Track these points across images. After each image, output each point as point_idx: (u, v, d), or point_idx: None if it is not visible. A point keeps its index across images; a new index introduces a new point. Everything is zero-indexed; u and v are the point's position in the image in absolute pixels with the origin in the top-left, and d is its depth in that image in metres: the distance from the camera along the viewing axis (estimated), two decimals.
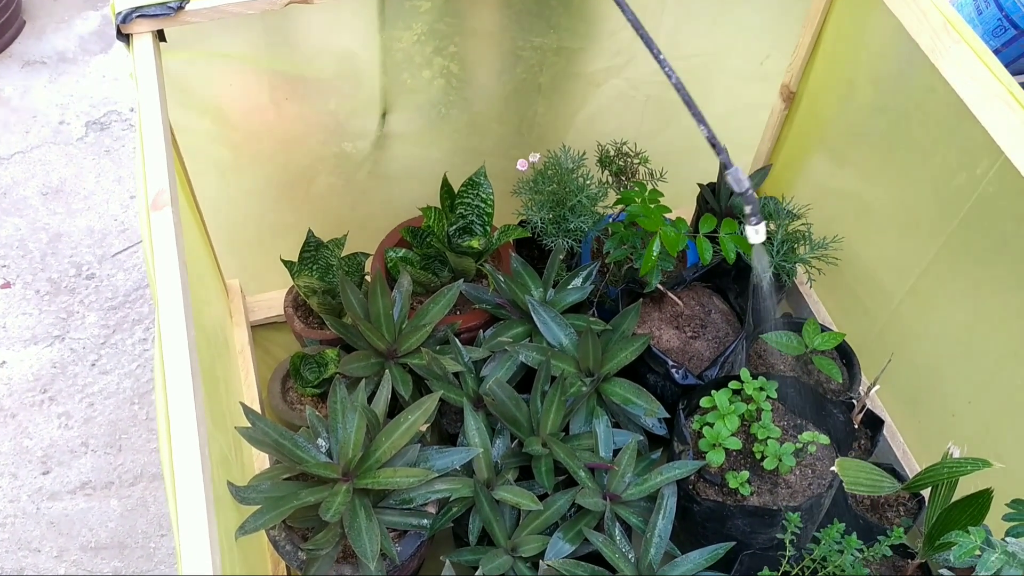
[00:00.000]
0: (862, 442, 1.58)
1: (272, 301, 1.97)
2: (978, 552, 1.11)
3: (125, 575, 1.66)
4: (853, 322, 1.80)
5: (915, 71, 1.46)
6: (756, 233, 1.28)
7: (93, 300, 2.04)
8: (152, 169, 1.17)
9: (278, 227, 1.86)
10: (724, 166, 1.25)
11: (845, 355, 1.72)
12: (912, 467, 1.66)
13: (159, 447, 0.95)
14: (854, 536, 1.25)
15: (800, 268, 1.78)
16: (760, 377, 1.49)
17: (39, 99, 2.46)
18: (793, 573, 1.35)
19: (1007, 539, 1.12)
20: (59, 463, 1.79)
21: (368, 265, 1.77)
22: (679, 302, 1.68)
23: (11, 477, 1.77)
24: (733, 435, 1.43)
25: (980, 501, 1.20)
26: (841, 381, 1.64)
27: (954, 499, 1.28)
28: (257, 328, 1.98)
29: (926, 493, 1.52)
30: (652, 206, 1.58)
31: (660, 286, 1.62)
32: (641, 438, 1.52)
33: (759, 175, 1.92)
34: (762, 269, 1.45)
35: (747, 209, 1.26)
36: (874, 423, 1.57)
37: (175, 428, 1.01)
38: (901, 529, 1.26)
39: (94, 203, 2.23)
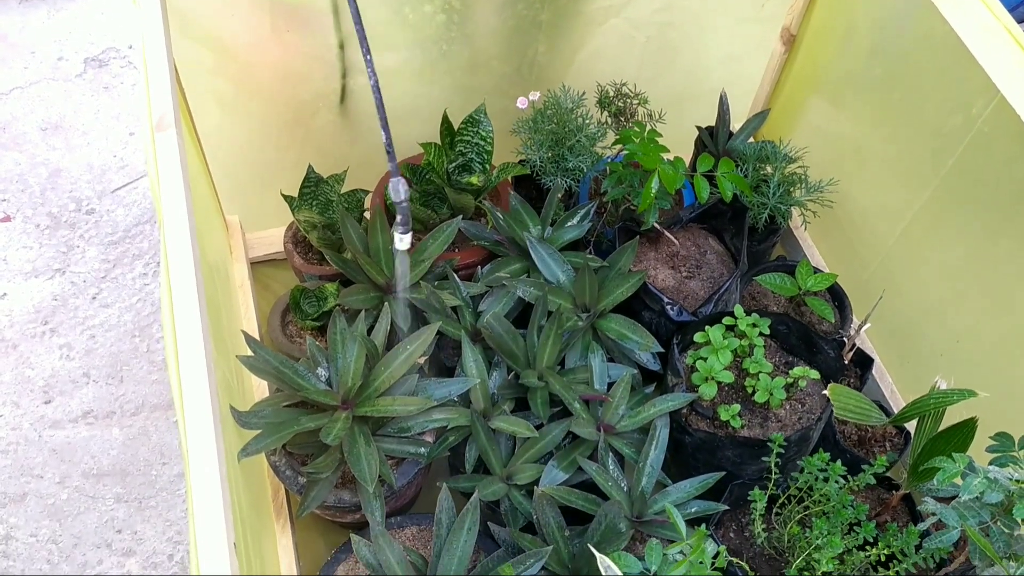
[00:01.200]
0: (851, 380, 1.61)
1: (271, 238, 1.98)
2: (960, 478, 1.15)
3: (127, 501, 1.69)
4: (845, 265, 1.82)
5: (915, 12, 1.46)
6: (401, 241, 1.38)
7: (93, 235, 2.05)
8: (156, 91, 1.17)
9: (278, 163, 1.86)
10: (391, 172, 1.33)
11: (837, 297, 1.74)
12: (899, 406, 1.69)
13: (167, 366, 0.96)
14: (838, 463, 1.28)
15: (795, 211, 1.80)
16: (754, 314, 1.51)
17: (37, 35, 2.44)
18: (780, 500, 1.39)
19: (990, 467, 1.16)
20: (61, 393, 1.81)
21: (368, 202, 1.78)
22: (675, 241, 1.70)
23: (13, 406, 1.79)
24: (726, 369, 1.45)
25: (965, 430, 1.23)
26: (833, 321, 1.67)
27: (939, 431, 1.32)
28: (256, 265, 1.99)
29: (912, 429, 1.55)
30: (651, 145, 1.59)
31: (657, 225, 1.64)
32: (635, 372, 1.54)
33: (757, 119, 1.92)
34: (401, 275, 1.54)
35: (398, 218, 1.36)
36: (864, 362, 1.59)
37: (182, 346, 1.03)
38: (884, 458, 1.29)
39: (93, 139, 2.22)
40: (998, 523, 1.12)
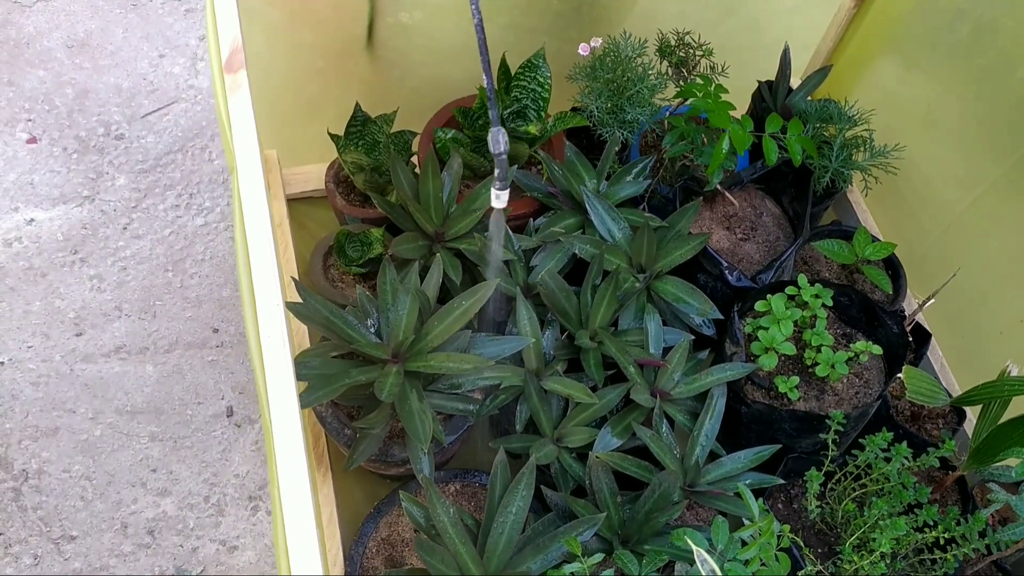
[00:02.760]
0: (908, 355, 1.58)
1: (308, 175, 1.92)
2: None
3: (162, 440, 1.67)
4: (902, 234, 1.77)
5: None
6: (497, 198, 1.29)
7: (123, 162, 1.98)
8: (224, 25, 1.10)
9: (320, 99, 1.79)
10: (492, 121, 1.21)
11: (892, 267, 1.70)
12: (949, 382, 1.67)
13: (243, 315, 0.92)
14: (903, 445, 1.26)
15: (856, 176, 1.75)
16: (817, 284, 1.47)
17: None
18: (837, 476, 1.37)
19: None
20: (92, 326, 1.77)
21: (415, 144, 1.72)
22: (734, 203, 1.65)
23: (43, 337, 1.76)
24: (787, 341, 1.42)
25: None
26: (889, 292, 1.63)
27: (1004, 417, 1.29)
28: (291, 202, 1.93)
29: (968, 409, 1.52)
30: (719, 101, 1.52)
31: (719, 186, 1.59)
32: (692, 338, 1.51)
33: (818, 75, 1.85)
34: (496, 236, 1.44)
35: (496, 172, 1.25)
36: (921, 336, 1.56)
37: (259, 293, 0.99)
38: (952, 442, 1.27)
39: (121, 60, 2.13)
40: None
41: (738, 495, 1.21)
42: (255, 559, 1.56)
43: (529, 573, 1.25)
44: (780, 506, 1.45)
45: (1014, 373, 1.28)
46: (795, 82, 1.84)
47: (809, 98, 1.82)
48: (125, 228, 1.89)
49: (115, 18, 2.20)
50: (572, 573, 1.06)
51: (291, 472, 0.88)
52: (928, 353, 1.68)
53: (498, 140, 1.20)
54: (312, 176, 1.90)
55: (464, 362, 1.37)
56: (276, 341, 0.97)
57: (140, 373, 1.73)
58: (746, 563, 1.09)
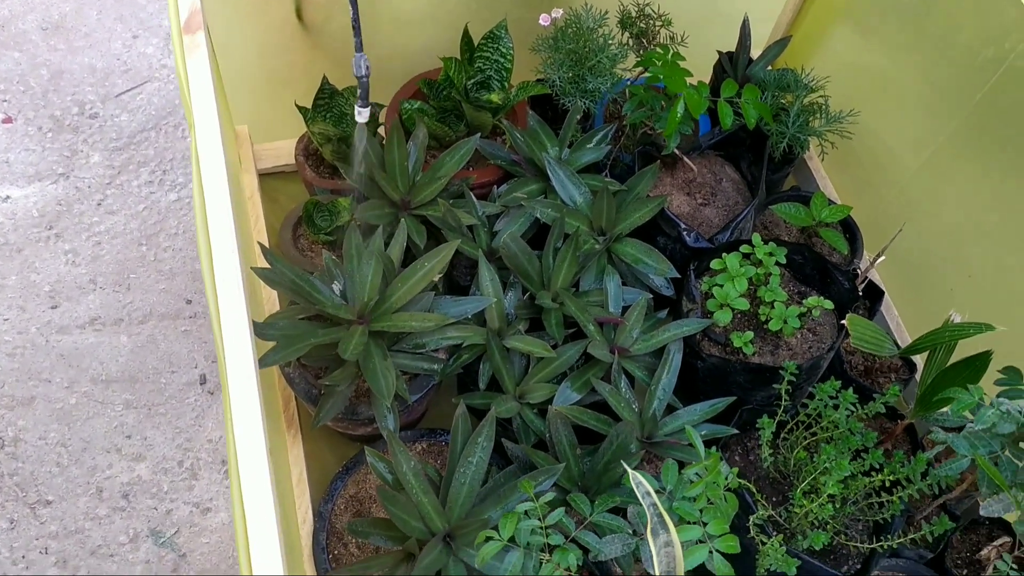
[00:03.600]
0: (861, 312, 1.63)
1: (279, 150, 1.95)
2: (973, 410, 1.17)
3: (136, 407, 1.70)
4: (859, 197, 1.81)
5: None
6: (360, 115, 1.53)
7: (97, 140, 2.01)
8: None
9: (289, 72, 1.82)
10: (356, 47, 1.46)
11: (849, 229, 1.75)
12: (904, 339, 1.71)
13: (203, 275, 0.96)
14: (850, 391, 1.30)
15: (813, 142, 1.79)
16: (771, 243, 1.52)
17: None
18: (789, 426, 1.41)
19: (1001, 399, 1.18)
20: (67, 298, 1.81)
21: (383, 116, 1.75)
22: (693, 168, 1.69)
23: (19, 310, 1.79)
24: (741, 296, 1.46)
25: (978, 363, 1.25)
26: (845, 253, 1.68)
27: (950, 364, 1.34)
28: (263, 177, 1.96)
29: (919, 361, 1.57)
30: (675, 68, 1.56)
31: (676, 151, 1.63)
32: (650, 297, 1.55)
33: (777, 46, 1.89)
34: (361, 150, 1.59)
35: (359, 93, 1.50)
36: (874, 294, 1.61)
37: (216, 253, 1.03)
38: (896, 387, 1.31)
39: (95, 41, 2.16)
40: (1007, 453, 1.14)
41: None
42: (228, 520, 1.60)
43: (489, 521, 1.29)
44: (737, 458, 1.49)
45: (957, 321, 1.33)
46: (756, 54, 1.88)
47: (769, 68, 1.87)
48: (99, 204, 1.93)
49: (89, 0, 2.23)
50: (526, 511, 1.10)
51: (247, 431, 0.92)
52: (883, 311, 1.73)
53: (360, 65, 1.45)
54: (283, 151, 1.94)
55: (427, 320, 1.41)
56: (231, 284, 1.00)
57: (114, 343, 1.76)
58: (693, 500, 1.13)
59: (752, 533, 1.30)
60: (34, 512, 1.58)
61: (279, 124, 1.89)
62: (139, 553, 1.56)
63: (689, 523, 1.11)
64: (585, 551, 1.21)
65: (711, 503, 1.15)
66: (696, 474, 1.15)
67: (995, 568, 1.10)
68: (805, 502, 1.31)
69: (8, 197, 1.91)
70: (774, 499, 1.43)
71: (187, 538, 1.57)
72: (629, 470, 0.99)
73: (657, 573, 0.92)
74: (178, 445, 1.66)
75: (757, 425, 1.37)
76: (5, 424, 1.65)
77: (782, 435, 1.44)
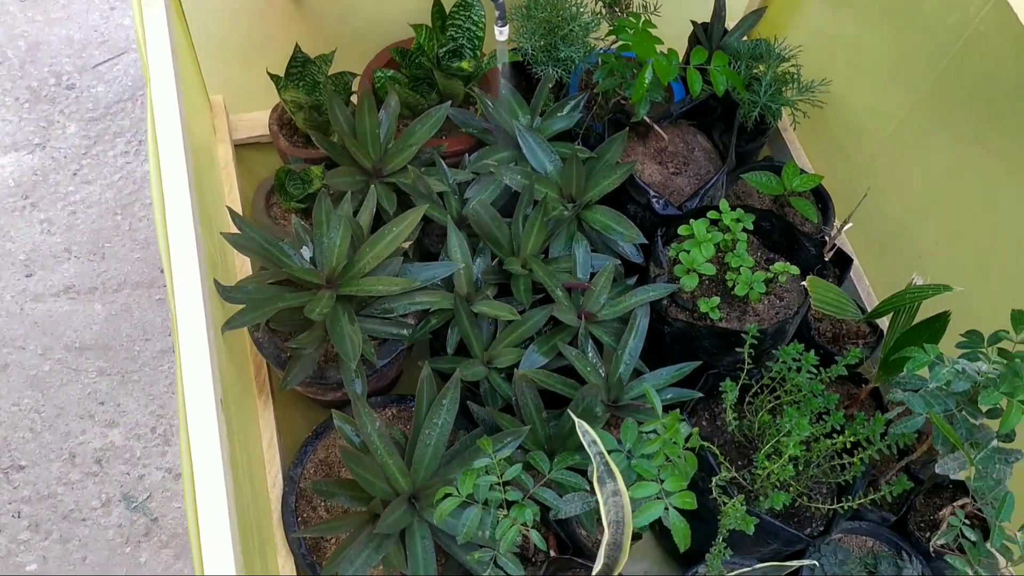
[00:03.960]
0: (831, 279, 1.63)
1: (256, 121, 1.95)
2: (929, 368, 1.18)
3: (110, 374, 1.71)
4: (832, 167, 1.82)
5: None
6: (500, 33, 1.55)
7: (74, 110, 2.01)
8: None
9: (265, 41, 1.82)
10: None
11: (821, 199, 1.75)
12: (874, 305, 1.72)
13: (157, 237, 0.96)
14: (811, 353, 1.31)
15: (786, 112, 1.79)
16: (738, 209, 1.52)
17: None
18: (753, 390, 1.42)
19: (959, 360, 1.19)
20: (42, 267, 1.81)
21: (355, 85, 1.75)
22: (664, 135, 1.69)
23: None
24: (708, 262, 1.47)
25: (938, 324, 1.26)
26: (816, 222, 1.68)
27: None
28: (240, 147, 1.96)
29: (886, 328, 1.58)
30: (645, 35, 1.56)
31: (647, 118, 1.63)
32: (618, 263, 1.55)
33: (753, 17, 1.89)
34: (500, 62, 1.64)
35: (496, 13, 1.52)
36: (843, 261, 1.61)
37: (171, 214, 1.03)
38: (857, 350, 1.32)
39: (73, 12, 2.16)
40: (963, 411, 1.15)
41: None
42: None
43: (454, 482, 1.30)
44: (704, 423, 1.50)
45: (919, 283, 1.33)
46: (732, 25, 1.88)
47: (745, 39, 1.87)
48: (75, 174, 1.93)
49: None
50: (485, 467, 1.11)
51: (198, 396, 0.92)
52: (854, 279, 1.74)
53: None
54: (259, 122, 1.94)
55: (393, 284, 1.42)
56: (185, 247, 1.01)
57: (89, 312, 1.77)
58: (650, 458, 1.14)
59: (715, 494, 1.32)
60: (7, 477, 1.58)
61: (257, 95, 1.89)
62: (111, 517, 1.57)
63: (647, 481, 1.12)
64: (548, 511, 1.23)
65: (669, 461, 1.16)
66: (654, 431, 1.16)
67: (948, 524, 1.11)
68: (767, 463, 1.32)
69: None
70: (739, 463, 1.45)
71: (159, 503, 1.58)
72: (575, 418, 1.00)
73: (605, 521, 0.93)
74: (151, 412, 1.67)
75: (721, 389, 1.37)
76: None
77: (747, 399, 1.45)
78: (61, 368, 1.70)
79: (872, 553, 1.45)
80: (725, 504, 1.29)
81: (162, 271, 1.83)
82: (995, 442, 1.14)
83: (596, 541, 1.41)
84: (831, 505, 1.35)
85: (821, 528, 1.40)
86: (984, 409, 1.14)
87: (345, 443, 1.40)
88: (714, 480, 1.32)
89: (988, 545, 1.06)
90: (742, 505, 1.25)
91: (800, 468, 1.39)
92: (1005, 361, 1.15)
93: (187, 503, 0.87)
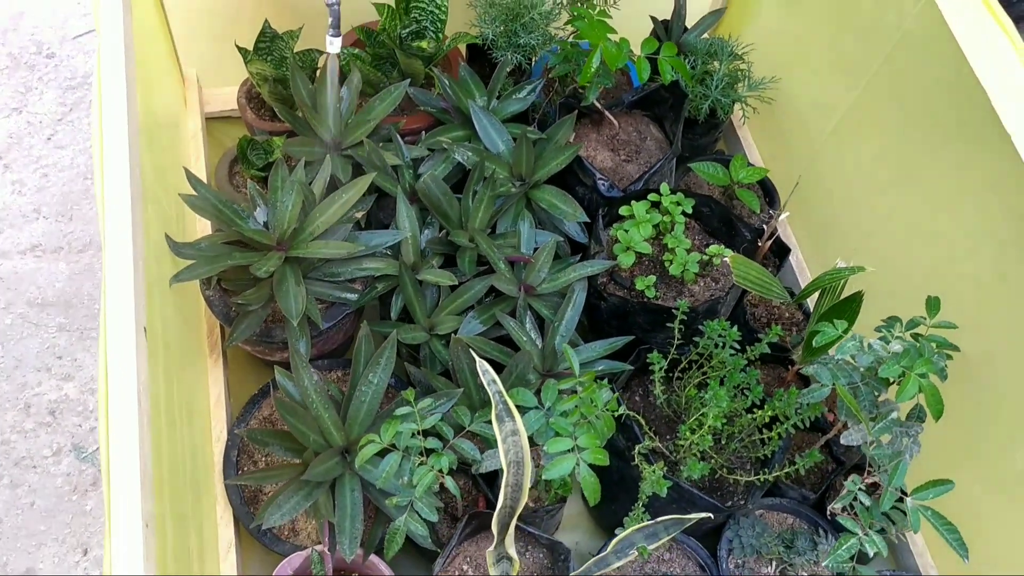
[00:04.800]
0: (770, 268, 1.68)
1: (228, 96, 2.00)
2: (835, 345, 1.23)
3: (69, 330, 1.75)
4: (781, 162, 1.87)
5: None
6: (331, 44, 1.59)
7: (52, 78, 2.06)
8: None
9: (237, 17, 1.87)
10: None
11: (768, 192, 1.81)
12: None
13: (96, 195, 1.01)
14: (734, 329, 1.36)
15: (737, 107, 1.85)
16: (678, 193, 1.57)
17: None
18: (682, 365, 1.47)
19: (874, 342, 1.23)
20: (11, 225, 1.86)
21: (321, 62, 1.80)
22: (615, 122, 1.74)
23: None
24: (645, 241, 1.52)
25: (853, 303, 1.31)
26: (759, 213, 1.73)
27: None
28: (212, 120, 2.01)
29: None
30: (598, 22, 1.62)
31: (596, 103, 1.68)
32: (561, 240, 1.60)
33: (712, 17, 1.94)
34: (331, 77, 1.63)
35: (330, 22, 1.56)
36: (782, 251, 1.66)
37: (108, 170, 1.08)
38: (778, 327, 1.37)
39: None
40: (868, 384, 1.20)
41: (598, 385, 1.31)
42: None
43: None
44: (637, 399, 1.54)
45: (840, 266, 1.38)
46: (692, 24, 1.94)
47: (705, 36, 1.92)
48: (49, 139, 1.98)
49: None
50: (403, 414, 1.16)
51: (119, 318, 0.97)
52: (796, 269, 1.79)
53: None
54: (232, 97, 1.99)
55: (340, 248, 1.47)
56: (122, 216, 1.06)
57: (53, 270, 1.81)
58: (566, 415, 1.19)
59: (636, 461, 1.36)
60: None
61: (230, 71, 1.94)
62: (60, 466, 1.62)
63: (562, 437, 1.17)
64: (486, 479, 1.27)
65: (586, 420, 1.21)
66: (572, 389, 1.20)
67: (846, 489, 1.16)
68: (689, 434, 1.37)
69: None
70: (668, 436, 1.49)
71: (105, 484, 1.62)
72: (476, 356, 1.04)
73: (504, 461, 0.97)
74: None
75: (649, 361, 1.42)
76: None
77: (675, 375, 1.50)
78: (22, 322, 1.74)
79: (791, 529, 1.49)
80: (644, 467, 1.33)
81: None
82: (895, 414, 1.19)
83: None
84: (751, 477, 1.39)
85: (742, 502, 1.44)
86: (891, 381, 1.19)
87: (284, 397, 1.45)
88: (637, 448, 1.37)
89: (879, 508, 1.11)
90: (662, 471, 1.29)
91: (722, 442, 1.43)
92: (915, 342, 1.20)
93: (100, 428, 0.92)
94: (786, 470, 1.36)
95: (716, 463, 1.42)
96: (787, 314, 1.64)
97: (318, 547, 1.34)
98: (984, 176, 1.28)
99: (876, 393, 1.21)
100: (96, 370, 1.71)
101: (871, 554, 1.11)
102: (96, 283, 1.80)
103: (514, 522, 1.04)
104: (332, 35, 1.57)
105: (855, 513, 1.15)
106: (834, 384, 1.19)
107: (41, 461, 1.61)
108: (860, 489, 1.14)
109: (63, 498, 1.59)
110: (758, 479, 1.38)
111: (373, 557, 1.37)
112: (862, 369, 1.19)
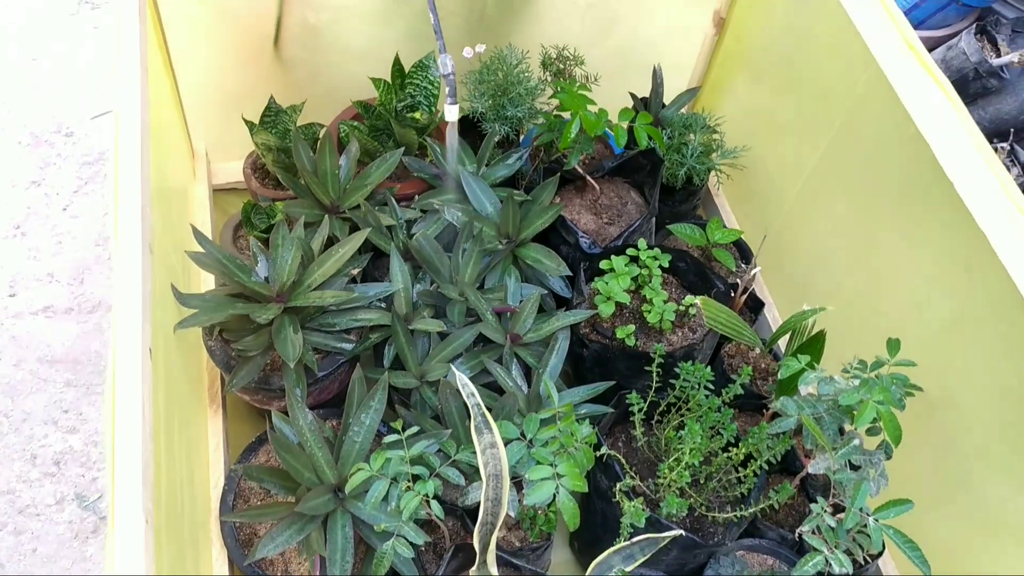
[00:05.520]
0: (746, 320, 1.76)
1: (234, 169, 2.12)
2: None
3: (76, 386, 1.82)
4: (754, 224, 1.97)
5: None
6: (449, 112, 1.65)
7: (70, 154, 2.18)
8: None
9: (244, 94, 2.00)
10: (439, 50, 1.60)
11: (743, 252, 1.90)
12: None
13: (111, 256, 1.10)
14: (708, 369, 1.43)
15: (712, 174, 1.96)
16: (656, 248, 1.67)
17: None
18: (660, 408, 1.53)
19: (837, 377, 1.30)
20: (25, 288, 1.94)
21: (321, 133, 1.93)
22: (596, 186, 1.85)
23: None
24: (624, 292, 1.60)
25: (817, 342, 1.38)
26: (735, 271, 1.82)
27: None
28: (219, 192, 2.12)
29: None
30: (577, 93, 1.74)
31: (578, 167, 1.79)
32: (546, 292, 1.69)
33: (687, 95, 2.08)
34: (451, 148, 1.74)
35: (447, 90, 1.62)
36: (757, 305, 1.74)
37: (122, 220, 1.18)
38: (749, 368, 1.44)
39: (78, 71, 2.36)
40: (831, 414, 1.26)
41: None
42: None
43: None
44: (620, 444, 1.60)
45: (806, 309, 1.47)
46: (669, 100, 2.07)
47: (682, 112, 2.05)
48: (64, 209, 2.08)
49: (77, 38, 2.45)
50: (391, 441, 1.22)
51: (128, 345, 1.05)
52: (769, 322, 1.87)
53: (445, 64, 1.58)
54: (237, 170, 2.11)
55: (336, 296, 1.55)
56: (133, 270, 1.15)
57: (63, 329, 1.89)
58: (546, 444, 1.25)
59: (618, 498, 1.41)
60: None
61: (236, 146, 2.06)
62: (63, 514, 1.66)
63: (542, 465, 1.23)
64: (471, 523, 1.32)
65: (565, 450, 1.27)
66: (552, 418, 1.27)
67: (812, 511, 1.21)
68: (667, 471, 1.42)
69: None
70: (650, 479, 1.54)
71: (110, 503, 1.66)
72: (453, 368, 1.11)
73: (483, 473, 1.03)
74: None
75: (628, 402, 1.48)
76: None
77: (655, 417, 1.56)
78: (32, 378, 1.81)
79: (771, 569, 1.53)
80: (625, 503, 1.38)
81: None
82: (857, 441, 1.25)
83: (509, 542, 1.49)
84: (728, 514, 1.44)
85: (721, 539, 1.48)
86: (852, 413, 1.26)
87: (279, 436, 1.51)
88: (618, 485, 1.42)
89: (844, 527, 1.15)
90: (642, 504, 1.34)
91: (701, 481, 1.49)
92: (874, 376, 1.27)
93: (107, 471, 0.98)
94: (761, 505, 1.41)
95: (695, 501, 1.46)
96: (763, 364, 1.71)
97: None
98: (933, 225, 1.37)
99: (839, 423, 1.27)
100: (100, 424, 1.77)
101: (837, 571, 1.15)
102: (103, 342, 1.88)
103: (494, 539, 1.09)
104: (450, 103, 1.63)
105: (824, 538, 1.20)
106: (800, 415, 1.25)
107: (45, 509, 1.66)
108: (825, 511, 1.19)
109: (64, 544, 1.63)
110: (735, 515, 1.42)
111: None
112: (827, 402, 1.26)
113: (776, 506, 1.40)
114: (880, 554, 1.44)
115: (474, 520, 1.47)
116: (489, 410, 1.52)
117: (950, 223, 1.32)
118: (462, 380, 1.10)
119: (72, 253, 2.00)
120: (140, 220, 1.26)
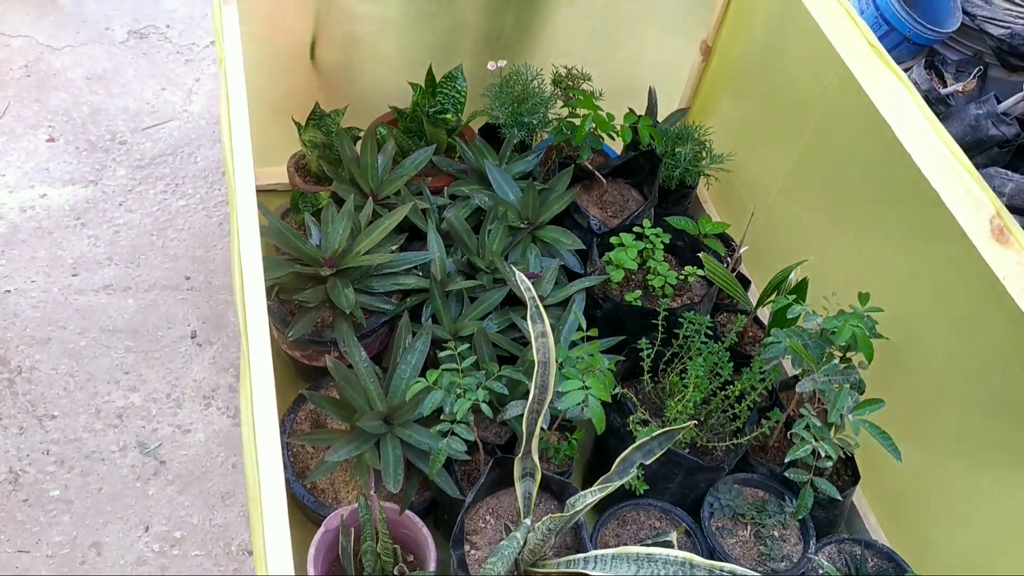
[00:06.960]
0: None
1: (275, 172, 2.33)
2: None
3: (136, 352, 1.99)
4: (740, 222, 2.21)
5: (791, 8, 1.90)
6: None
7: (124, 159, 2.39)
8: None
9: (284, 100, 2.22)
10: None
11: (728, 244, 2.13)
12: None
13: (231, 243, 1.29)
14: (707, 318, 1.64)
15: (702, 180, 2.21)
16: (656, 228, 1.90)
17: (89, 9, 2.83)
18: (666, 357, 1.74)
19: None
20: (86, 269, 2.12)
21: (363, 134, 2.16)
22: (603, 180, 2.09)
23: (45, 275, 2.10)
24: (632, 260, 1.83)
25: (801, 288, 1.61)
26: (723, 255, 2.06)
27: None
28: (260, 192, 2.33)
29: None
30: (587, 98, 2.00)
31: (587, 164, 2.03)
32: (562, 263, 1.91)
33: (679, 114, 2.34)
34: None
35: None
36: (744, 282, 1.97)
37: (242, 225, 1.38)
38: (742, 318, 1.65)
39: (131, 89, 2.59)
40: (815, 341, 1.48)
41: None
42: (204, 439, 1.86)
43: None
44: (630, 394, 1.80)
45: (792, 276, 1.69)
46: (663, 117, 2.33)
47: (675, 126, 2.31)
48: (121, 204, 2.28)
49: (128, 61, 2.67)
50: (446, 356, 1.41)
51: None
52: (753, 302, 2.09)
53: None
54: (275, 174, 2.32)
55: (381, 258, 1.76)
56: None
57: (122, 304, 2.07)
58: (575, 364, 1.45)
59: (631, 427, 1.61)
60: (40, 423, 1.83)
61: (274, 152, 2.28)
62: (126, 459, 1.81)
63: (573, 379, 1.43)
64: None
65: (592, 372, 1.47)
66: (580, 341, 1.47)
67: (800, 414, 1.41)
68: (673, 405, 1.62)
69: (45, 195, 2.26)
70: (657, 421, 1.74)
71: (168, 450, 1.82)
72: (514, 269, 1.31)
73: (536, 360, 1.23)
74: (168, 382, 1.94)
75: (638, 347, 1.69)
76: (24, 356, 1.93)
77: (660, 367, 1.76)
78: (95, 344, 1.98)
79: (761, 499, 1.72)
80: (638, 431, 1.58)
81: (187, 278, 2.15)
82: (835, 361, 1.46)
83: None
84: (726, 443, 1.64)
85: (721, 465, 1.67)
86: (832, 337, 1.47)
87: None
88: (631, 418, 1.62)
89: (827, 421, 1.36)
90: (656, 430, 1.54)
91: (702, 418, 1.68)
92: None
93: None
94: (755, 433, 1.61)
95: (698, 436, 1.66)
96: (749, 332, 1.93)
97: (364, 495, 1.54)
98: (896, 206, 1.61)
99: (821, 350, 1.49)
100: (158, 384, 1.94)
101: (823, 456, 1.35)
102: (159, 316, 2.05)
103: (539, 426, 1.28)
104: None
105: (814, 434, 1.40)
106: (789, 341, 1.47)
107: (109, 455, 1.81)
108: (812, 414, 1.40)
109: (127, 485, 1.78)
110: (732, 443, 1.62)
111: (408, 512, 1.58)
112: (811, 334, 1.47)
113: (768, 433, 1.61)
114: (856, 481, 1.65)
115: (506, 450, 1.66)
116: (515, 360, 1.73)
117: (912, 202, 1.55)
118: (520, 277, 1.30)
119: (128, 241, 2.19)
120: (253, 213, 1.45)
